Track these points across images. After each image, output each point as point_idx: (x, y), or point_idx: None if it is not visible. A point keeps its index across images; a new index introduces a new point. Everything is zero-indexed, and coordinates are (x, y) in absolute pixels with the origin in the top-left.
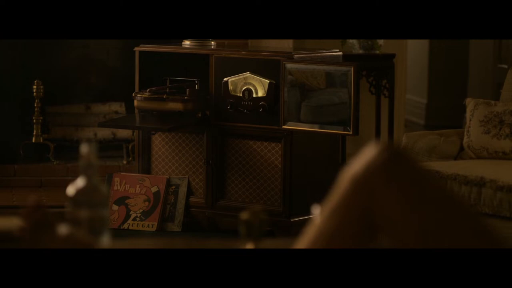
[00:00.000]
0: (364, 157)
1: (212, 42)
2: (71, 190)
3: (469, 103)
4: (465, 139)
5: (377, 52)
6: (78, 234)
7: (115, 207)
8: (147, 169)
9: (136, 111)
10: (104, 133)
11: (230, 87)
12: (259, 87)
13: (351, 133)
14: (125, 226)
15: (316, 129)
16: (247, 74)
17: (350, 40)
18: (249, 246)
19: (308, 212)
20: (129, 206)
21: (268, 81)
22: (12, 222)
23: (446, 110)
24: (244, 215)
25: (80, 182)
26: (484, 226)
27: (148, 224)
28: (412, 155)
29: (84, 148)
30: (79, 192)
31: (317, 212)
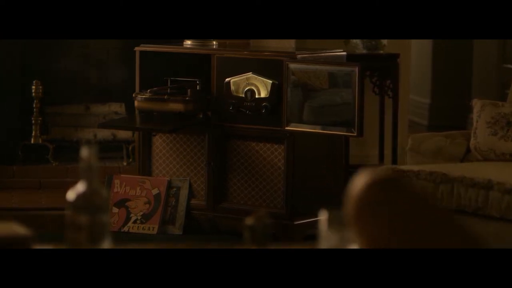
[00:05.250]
0: (353, 191)
1: (214, 42)
2: (71, 194)
3: (476, 104)
4: (472, 141)
5: (381, 52)
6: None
7: (115, 210)
8: (147, 171)
9: (137, 111)
10: (104, 134)
11: (232, 87)
12: (262, 88)
13: (355, 134)
14: (125, 229)
15: (319, 130)
16: (250, 74)
17: (354, 40)
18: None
19: (311, 214)
20: (129, 209)
21: (271, 82)
22: (13, 228)
23: (450, 111)
24: (249, 220)
25: (80, 186)
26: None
27: (149, 227)
28: (401, 183)
29: (84, 151)
30: (79, 196)
31: (324, 218)
